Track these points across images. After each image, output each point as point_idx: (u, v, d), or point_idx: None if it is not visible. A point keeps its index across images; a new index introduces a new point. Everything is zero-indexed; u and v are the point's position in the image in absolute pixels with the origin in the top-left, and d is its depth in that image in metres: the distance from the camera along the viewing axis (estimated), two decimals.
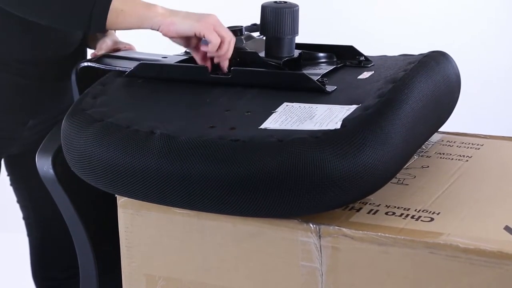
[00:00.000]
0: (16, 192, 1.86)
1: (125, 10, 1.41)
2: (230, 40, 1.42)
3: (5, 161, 1.78)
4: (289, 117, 1.28)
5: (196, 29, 1.41)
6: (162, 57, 1.54)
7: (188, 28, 1.41)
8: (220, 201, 1.20)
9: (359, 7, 3.44)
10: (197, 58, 1.46)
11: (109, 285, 1.46)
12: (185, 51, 1.57)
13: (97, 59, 1.56)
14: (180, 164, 1.20)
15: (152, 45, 1.65)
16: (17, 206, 1.88)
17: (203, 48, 1.44)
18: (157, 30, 1.43)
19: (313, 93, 1.36)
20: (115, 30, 1.73)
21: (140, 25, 1.44)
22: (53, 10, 1.44)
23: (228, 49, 1.42)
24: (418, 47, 1.58)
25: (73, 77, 1.54)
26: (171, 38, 1.44)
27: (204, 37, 1.41)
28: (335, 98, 1.34)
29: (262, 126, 1.26)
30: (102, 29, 1.43)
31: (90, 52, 1.73)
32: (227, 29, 1.43)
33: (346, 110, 1.26)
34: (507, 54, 3.37)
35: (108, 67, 1.51)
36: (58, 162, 1.43)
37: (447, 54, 1.46)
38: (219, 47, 1.42)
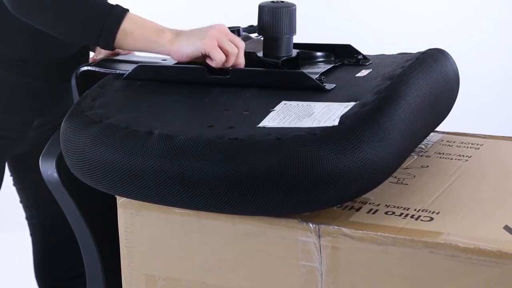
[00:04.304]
0: (19, 192, 1.86)
1: (134, 33, 1.44)
2: (236, 53, 1.43)
3: (9, 161, 1.78)
4: (287, 115, 1.28)
5: (200, 48, 1.42)
6: (162, 60, 1.54)
7: (194, 49, 1.43)
8: (219, 200, 1.20)
9: (357, 7, 3.44)
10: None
11: (116, 285, 1.46)
12: None
13: (97, 63, 1.56)
14: (179, 164, 1.20)
15: None
16: (17, 206, 1.87)
17: (209, 63, 1.44)
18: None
19: (311, 91, 1.36)
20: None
21: (148, 49, 1.47)
22: (66, 27, 1.47)
23: (235, 60, 1.43)
24: (418, 47, 1.57)
25: (73, 81, 1.54)
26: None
27: (208, 54, 1.43)
28: (333, 96, 1.34)
29: (261, 125, 1.26)
30: (111, 48, 1.46)
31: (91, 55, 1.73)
32: (235, 39, 1.44)
33: (344, 107, 1.26)
34: (507, 54, 3.38)
35: (108, 71, 1.52)
36: (62, 165, 1.43)
37: (445, 51, 1.46)
38: (226, 61, 1.43)
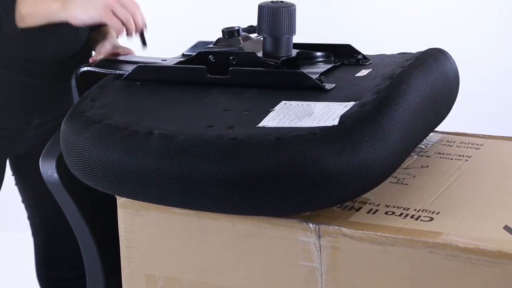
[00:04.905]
0: (21, 192, 1.86)
1: (30, 14, 1.52)
2: (129, 17, 1.52)
3: (10, 161, 1.79)
4: (287, 115, 1.28)
5: (97, 18, 1.52)
6: (162, 60, 1.54)
7: (89, 18, 1.53)
8: (219, 200, 1.20)
9: (357, 7, 3.44)
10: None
11: (116, 285, 1.47)
12: (183, 54, 1.57)
13: (97, 63, 1.57)
14: (179, 164, 1.20)
15: (151, 48, 1.65)
16: (19, 206, 1.88)
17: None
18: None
19: (311, 91, 1.36)
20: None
21: (48, 21, 1.54)
22: None
23: (133, 24, 1.54)
24: (418, 47, 1.57)
25: (73, 82, 1.54)
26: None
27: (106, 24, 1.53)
28: (333, 95, 1.34)
29: (260, 125, 1.26)
30: (15, 31, 1.54)
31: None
32: (127, 4, 1.53)
33: (344, 107, 1.26)
34: (507, 54, 3.38)
35: (108, 71, 1.52)
36: (62, 165, 1.43)
37: (445, 51, 1.46)
38: (126, 26, 1.52)
